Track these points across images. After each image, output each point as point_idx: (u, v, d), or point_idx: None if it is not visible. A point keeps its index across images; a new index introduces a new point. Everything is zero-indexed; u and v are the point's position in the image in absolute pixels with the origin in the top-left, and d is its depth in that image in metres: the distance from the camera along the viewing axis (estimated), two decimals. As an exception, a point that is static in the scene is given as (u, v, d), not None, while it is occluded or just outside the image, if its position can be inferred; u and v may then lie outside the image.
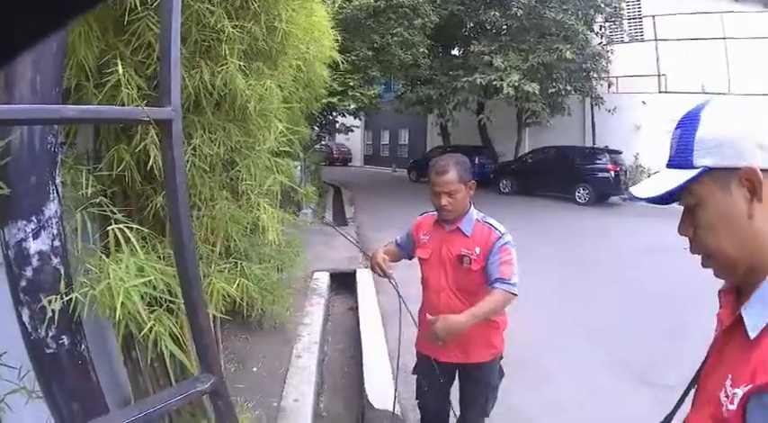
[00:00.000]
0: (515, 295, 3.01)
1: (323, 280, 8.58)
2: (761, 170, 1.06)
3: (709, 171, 1.11)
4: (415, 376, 3.65)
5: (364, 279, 8.58)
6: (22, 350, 2.23)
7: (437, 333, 2.88)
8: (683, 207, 1.21)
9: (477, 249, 3.11)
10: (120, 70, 2.44)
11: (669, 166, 1.20)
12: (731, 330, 1.13)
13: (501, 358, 3.43)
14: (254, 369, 5.24)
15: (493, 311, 3.03)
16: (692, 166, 1.13)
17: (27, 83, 2.00)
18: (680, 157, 1.17)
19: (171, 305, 2.68)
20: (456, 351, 3.27)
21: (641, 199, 1.25)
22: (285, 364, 5.34)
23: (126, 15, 2.57)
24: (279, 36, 3.34)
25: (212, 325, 3.52)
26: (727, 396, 1.03)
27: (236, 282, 3.28)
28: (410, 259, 3.53)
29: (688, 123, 1.16)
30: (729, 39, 22.50)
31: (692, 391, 1.30)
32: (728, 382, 1.04)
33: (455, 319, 2.90)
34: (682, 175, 1.15)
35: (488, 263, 3.07)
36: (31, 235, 2.13)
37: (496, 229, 3.12)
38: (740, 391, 0.99)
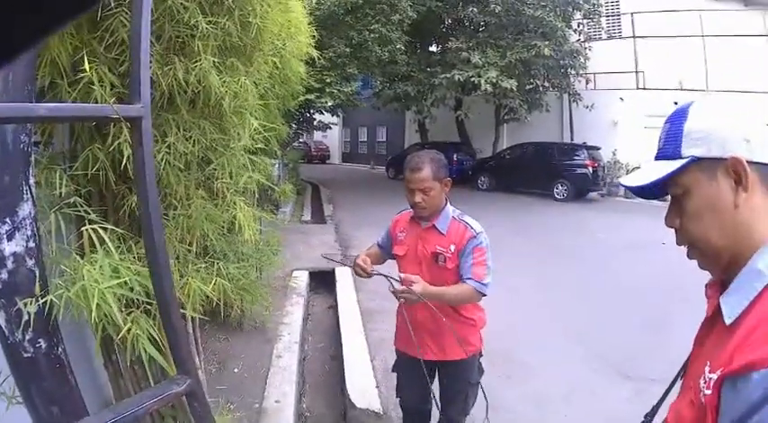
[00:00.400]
0: (484, 295, 3.05)
1: (302, 279, 8.54)
2: (746, 162, 1.09)
3: (696, 161, 1.15)
4: (395, 374, 3.65)
5: (343, 277, 8.56)
6: (1, 355, 2.20)
7: (413, 289, 2.88)
8: (663, 202, 1.24)
9: (452, 247, 3.11)
10: (88, 68, 2.39)
11: (657, 158, 1.24)
12: (712, 320, 1.18)
13: (481, 355, 3.43)
14: (235, 370, 5.21)
15: (456, 299, 3.10)
16: (679, 157, 1.17)
17: (-1, 78, 1.97)
18: (668, 149, 1.20)
19: (148, 307, 2.65)
20: (434, 349, 3.28)
21: (630, 187, 1.28)
22: (266, 364, 5.31)
23: (99, 11, 2.53)
24: (253, 32, 3.30)
25: (191, 326, 3.50)
26: (705, 381, 1.06)
27: (213, 282, 3.25)
28: (393, 258, 3.51)
29: (677, 118, 1.20)
30: (707, 36, 22.72)
31: (679, 382, 1.33)
32: (707, 369, 1.07)
33: (430, 287, 2.95)
34: (670, 165, 1.18)
35: (461, 261, 3.08)
36: (5, 236, 2.10)
37: (472, 228, 3.12)
38: (715, 376, 1.03)
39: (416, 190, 3.07)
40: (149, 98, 1.62)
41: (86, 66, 2.38)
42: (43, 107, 1.71)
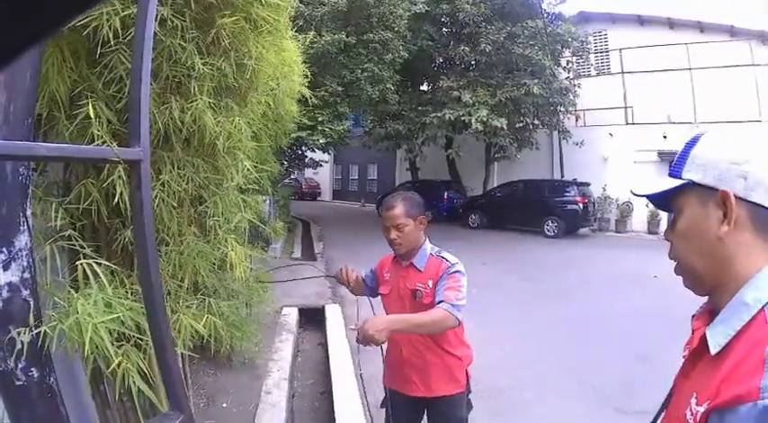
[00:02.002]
0: (457, 319, 2.95)
1: (292, 315, 8.54)
2: (738, 198, 1.12)
3: (692, 185, 1.19)
4: (384, 410, 3.65)
5: (333, 315, 8.54)
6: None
7: (363, 335, 2.80)
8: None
9: (430, 282, 3.16)
10: (91, 112, 2.45)
11: (668, 175, 1.28)
12: (698, 352, 1.19)
13: (469, 392, 3.45)
14: (224, 405, 5.18)
15: (426, 325, 2.95)
16: (679, 178, 1.22)
17: (0, 111, 2.01)
18: (675, 168, 1.25)
19: (139, 341, 2.67)
20: (420, 385, 3.30)
21: (638, 195, 1.35)
22: (255, 399, 5.28)
23: (99, 48, 2.59)
24: (248, 73, 3.37)
25: (180, 360, 3.50)
26: (692, 414, 1.08)
27: (205, 318, 3.27)
28: (375, 297, 3.56)
29: (691, 142, 1.25)
30: (695, 69, 23.02)
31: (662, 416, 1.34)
32: (693, 401, 1.09)
33: (392, 318, 3.00)
34: (670, 183, 1.24)
35: (436, 289, 3.11)
36: (1, 266, 2.13)
37: (447, 261, 3.17)
38: (702, 409, 1.04)
39: (390, 227, 3.18)
40: (148, 143, 1.66)
41: (90, 108, 2.44)
42: (44, 147, 1.75)
